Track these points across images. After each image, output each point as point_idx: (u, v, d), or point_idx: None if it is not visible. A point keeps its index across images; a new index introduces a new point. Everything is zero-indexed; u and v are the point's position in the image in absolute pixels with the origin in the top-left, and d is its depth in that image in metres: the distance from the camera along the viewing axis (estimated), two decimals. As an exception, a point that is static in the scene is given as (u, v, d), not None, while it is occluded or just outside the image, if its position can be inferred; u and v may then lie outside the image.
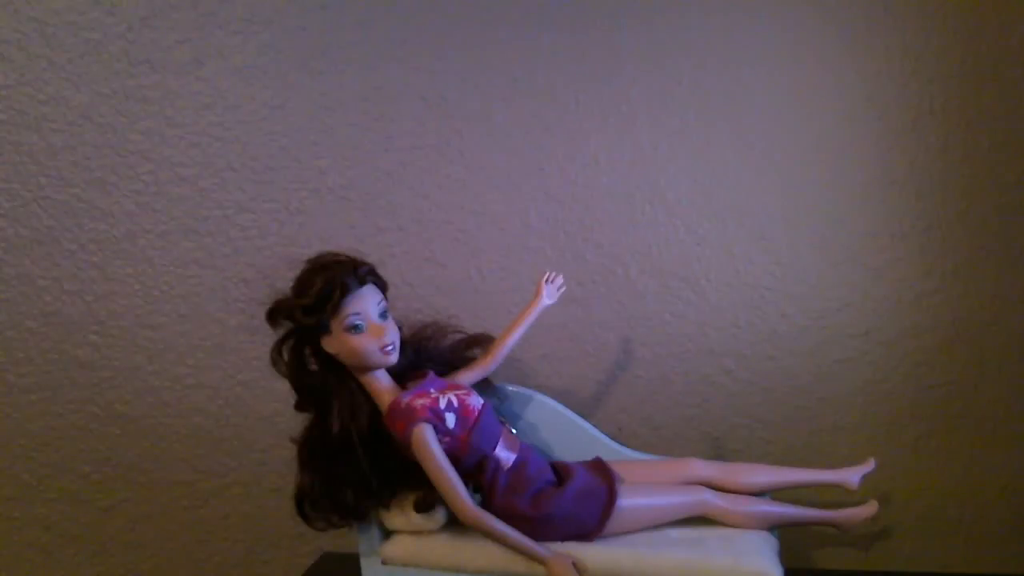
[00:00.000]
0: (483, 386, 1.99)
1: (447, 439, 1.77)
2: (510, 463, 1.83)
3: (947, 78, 2.11)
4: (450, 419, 1.78)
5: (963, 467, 2.22)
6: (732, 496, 1.90)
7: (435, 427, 1.76)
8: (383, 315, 1.80)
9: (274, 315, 1.82)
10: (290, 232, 2.42)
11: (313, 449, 1.84)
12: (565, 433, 2.08)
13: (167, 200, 2.43)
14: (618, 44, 2.24)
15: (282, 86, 2.37)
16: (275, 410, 2.44)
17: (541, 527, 1.77)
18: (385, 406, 1.81)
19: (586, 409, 2.28)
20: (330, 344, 1.78)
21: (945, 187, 2.15)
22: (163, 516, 2.54)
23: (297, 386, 1.86)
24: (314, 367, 1.85)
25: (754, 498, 1.92)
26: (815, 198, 2.21)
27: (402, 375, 1.88)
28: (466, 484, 1.78)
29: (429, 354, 1.96)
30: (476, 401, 1.85)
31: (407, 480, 1.84)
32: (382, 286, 1.85)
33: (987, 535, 2.23)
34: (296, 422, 1.90)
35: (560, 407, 2.11)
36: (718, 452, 2.29)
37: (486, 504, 1.80)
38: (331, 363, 1.82)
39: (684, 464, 1.96)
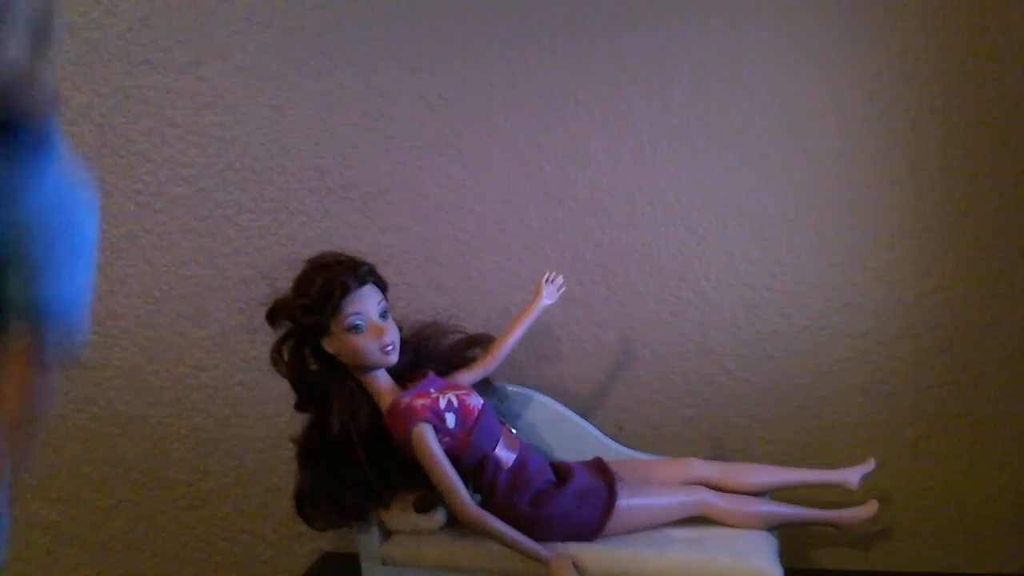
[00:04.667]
0: (483, 386, 1.99)
1: (447, 439, 1.77)
2: (510, 463, 1.83)
3: (947, 78, 2.11)
4: (450, 419, 1.78)
5: (963, 467, 2.22)
6: (732, 496, 1.90)
7: (435, 427, 1.76)
8: (383, 315, 1.80)
9: (274, 315, 1.83)
10: (290, 232, 2.42)
11: (313, 449, 1.84)
12: (565, 433, 2.08)
13: (167, 200, 2.43)
14: (618, 44, 2.24)
15: (282, 86, 2.37)
16: (275, 410, 2.44)
17: (541, 527, 1.77)
18: (385, 406, 1.82)
19: (586, 409, 2.28)
20: (330, 344, 1.78)
21: (945, 187, 2.15)
22: (163, 516, 2.54)
23: (297, 386, 1.86)
24: (314, 367, 1.85)
25: (754, 498, 1.92)
26: (815, 198, 2.20)
27: (402, 375, 1.88)
28: (466, 484, 1.78)
29: (429, 354, 1.96)
30: (476, 401, 1.85)
31: (407, 480, 1.84)
32: (382, 286, 1.85)
33: (987, 535, 2.23)
34: (296, 422, 1.90)
35: (560, 407, 2.11)
36: (718, 452, 2.29)
37: (486, 504, 1.80)
38: (331, 363, 1.82)
39: (684, 464, 1.96)
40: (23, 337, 1.07)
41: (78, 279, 1.16)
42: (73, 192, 1.17)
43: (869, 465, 2.02)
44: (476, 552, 1.81)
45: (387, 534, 1.92)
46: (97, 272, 2.49)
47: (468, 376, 1.95)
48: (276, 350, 1.84)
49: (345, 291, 1.75)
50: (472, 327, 2.05)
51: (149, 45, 2.37)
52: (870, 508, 1.98)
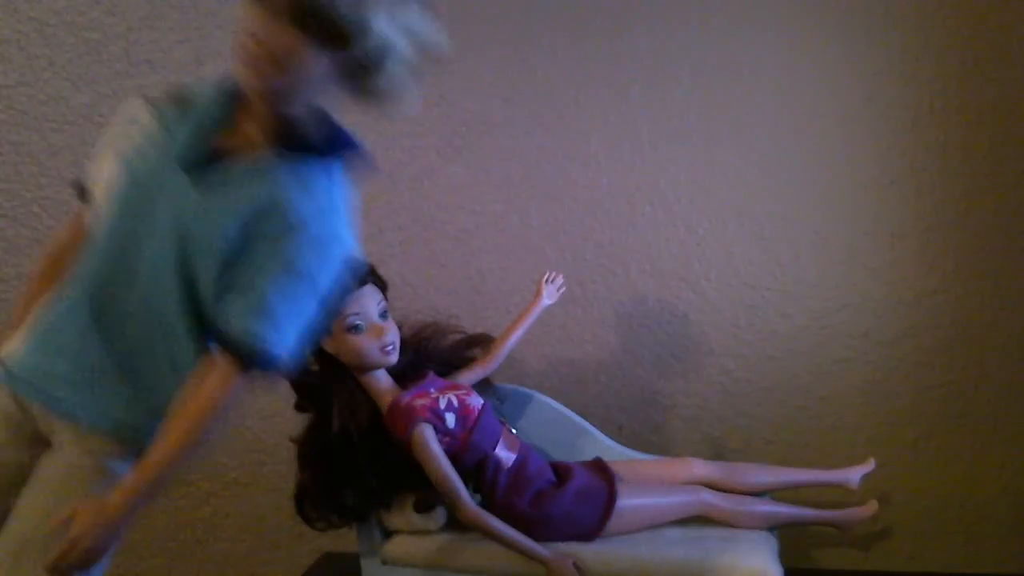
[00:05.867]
0: (483, 386, 1.99)
1: (447, 439, 1.77)
2: (510, 463, 1.83)
3: (947, 78, 2.11)
4: (450, 419, 1.78)
5: (963, 467, 2.22)
6: (732, 496, 1.90)
7: (435, 427, 1.76)
8: (383, 315, 1.80)
9: (274, 315, 1.82)
10: (290, 232, 2.41)
11: (313, 449, 1.84)
12: (565, 433, 2.08)
13: (167, 200, 2.43)
14: (618, 44, 2.24)
15: (282, 86, 2.37)
16: (275, 410, 2.44)
17: (541, 527, 1.77)
18: (385, 406, 1.81)
19: (586, 409, 2.28)
20: (330, 344, 1.78)
21: (945, 187, 2.15)
22: (163, 516, 2.54)
23: (297, 386, 1.86)
24: (314, 367, 1.85)
25: (754, 498, 1.92)
26: (815, 198, 2.20)
27: (402, 375, 1.88)
28: (466, 484, 1.78)
29: (429, 354, 1.96)
30: (476, 401, 1.85)
31: (407, 480, 1.84)
32: (382, 286, 1.85)
33: (987, 535, 2.23)
34: (296, 422, 1.90)
35: (560, 407, 2.11)
36: (718, 452, 2.29)
37: (486, 504, 1.80)
38: (331, 363, 1.82)
39: (684, 464, 1.96)
40: (229, 353, 1.09)
41: (298, 323, 1.13)
42: (327, 240, 1.14)
43: (869, 465, 2.02)
44: (476, 552, 1.81)
45: (387, 534, 1.92)
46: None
47: (468, 376, 1.95)
48: (276, 350, 1.83)
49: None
50: (472, 327, 2.04)
51: (149, 45, 2.37)
52: (870, 508, 1.98)
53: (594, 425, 2.12)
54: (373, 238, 2.37)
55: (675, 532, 1.85)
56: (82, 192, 1.23)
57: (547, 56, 2.27)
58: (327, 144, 1.17)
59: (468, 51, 2.30)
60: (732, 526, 1.87)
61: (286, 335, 1.11)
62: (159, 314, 1.11)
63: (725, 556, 1.74)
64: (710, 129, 2.22)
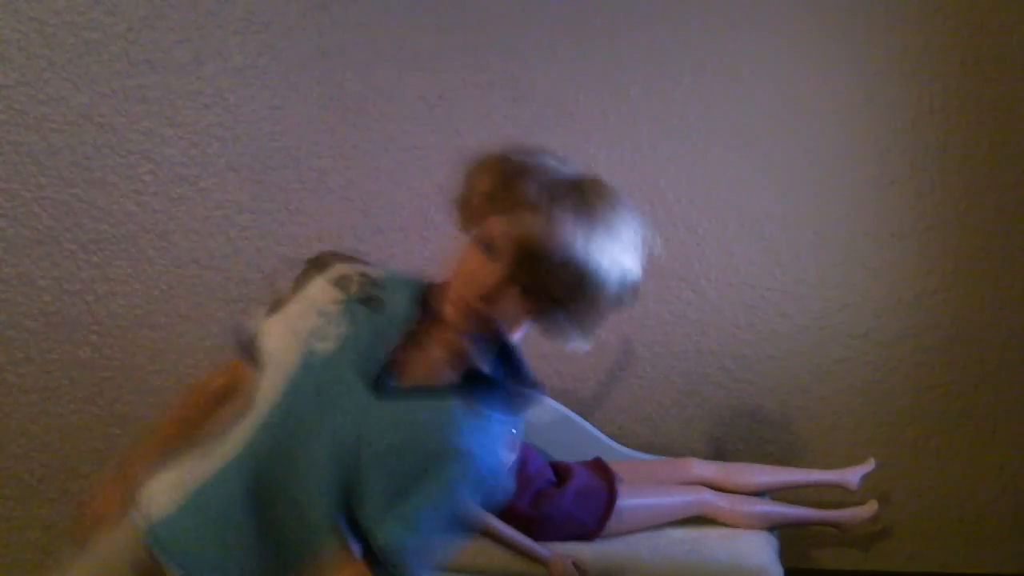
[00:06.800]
0: (483, 386, 1.99)
1: (447, 439, 1.77)
2: (510, 463, 1.83)
3: (947, 78, 2.11)
4: (450, 419, 1.78)
5: (963, 467, 2.22)
6: (732, 496, 1.90)
7: (435, 427, 1.76)
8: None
9: (274, 315, 1.82)
10: (290, 232, 2.41)
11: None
12: (565, 433, 2.08)
13: (167, 200, 2.43)
14: (618, 44, 2.24)
15: (282, 86, 2.37)
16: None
17: (541, 527, 1.77)
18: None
19: (586, 409, 2.28)
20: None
21: (945, 187, 2.15)
22: (163, 516, 2.54)
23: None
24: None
25: (754, 498, 1.92)
26: (815, 198, 2.20)
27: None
28: (466, 484, 1.78)
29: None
30: (476, 401, 1.85)
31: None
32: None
33: (987, 535, 2.23)
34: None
35: (560, 407, 2.11)
36: (718, 452, 2.29)
37: (486, 504, 1.81)
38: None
39: (684, 464, 1.96)
40: (370, 558, 1.09)
41: (442, 537, 1.14)
42: (488, 471, 1.19)
43: (869, 465, 2.02)
44: (476, 552, 1.80)
45: (387, 534, 1.92)
46: (97, 272, 2.46)
47: (468, 376, 1.95)
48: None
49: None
50: (472, 327, 2.04)
51: (149, 45, 2.37)
52: (870, 508, 1.99)
53: (594, 425, 2.12)
54: (373, 238, 2.37)
55: (675, 532, 1.85)
56: (243, 343, 1.23)
57: (547, 56, 2.27)
58: (506, 380, 1.20)
59: (468, 51, 2.30)
60: (732, 526, 1.87)
61: (429, 549, 1.13)
62: (309, 502, 1.11)
63: (725, 556, 1.74)
64: (710, 129, 2.22)
